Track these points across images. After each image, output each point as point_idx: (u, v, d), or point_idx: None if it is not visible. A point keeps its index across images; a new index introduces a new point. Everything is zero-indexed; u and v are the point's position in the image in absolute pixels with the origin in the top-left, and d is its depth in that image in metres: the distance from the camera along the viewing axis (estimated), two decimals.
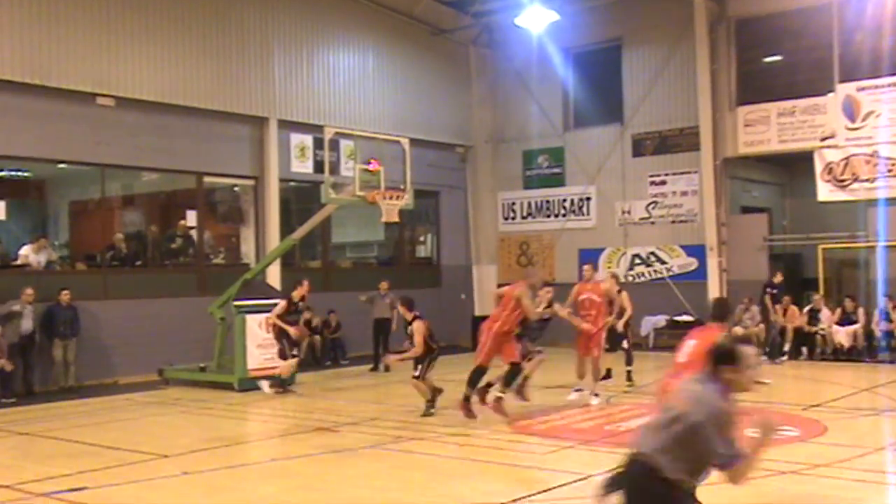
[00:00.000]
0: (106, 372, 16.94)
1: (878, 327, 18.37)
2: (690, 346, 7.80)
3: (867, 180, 19.33)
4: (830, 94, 19.78)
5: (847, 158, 19.58)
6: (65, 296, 16.18)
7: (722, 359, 4.61)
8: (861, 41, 19.45)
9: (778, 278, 19.37)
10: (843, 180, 19.67)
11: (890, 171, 19.03)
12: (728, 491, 8.09)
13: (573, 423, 11.98)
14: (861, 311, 18.67)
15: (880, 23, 19.04)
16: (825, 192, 19.88)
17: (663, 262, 22.26)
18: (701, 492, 4.71)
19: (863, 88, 19.39)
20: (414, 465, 9.72)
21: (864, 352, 18.43)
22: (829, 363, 18.14)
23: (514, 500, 8.05)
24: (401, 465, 9.75)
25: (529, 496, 8.23)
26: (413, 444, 10.70)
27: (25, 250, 16.95)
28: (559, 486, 8.59)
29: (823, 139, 19.85)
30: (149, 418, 13.53)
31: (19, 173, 19.42)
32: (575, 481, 8.69)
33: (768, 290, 19.24)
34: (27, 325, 15.70)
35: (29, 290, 15.64)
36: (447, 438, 11.06)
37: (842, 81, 19.70)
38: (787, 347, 19.06)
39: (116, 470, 9.61)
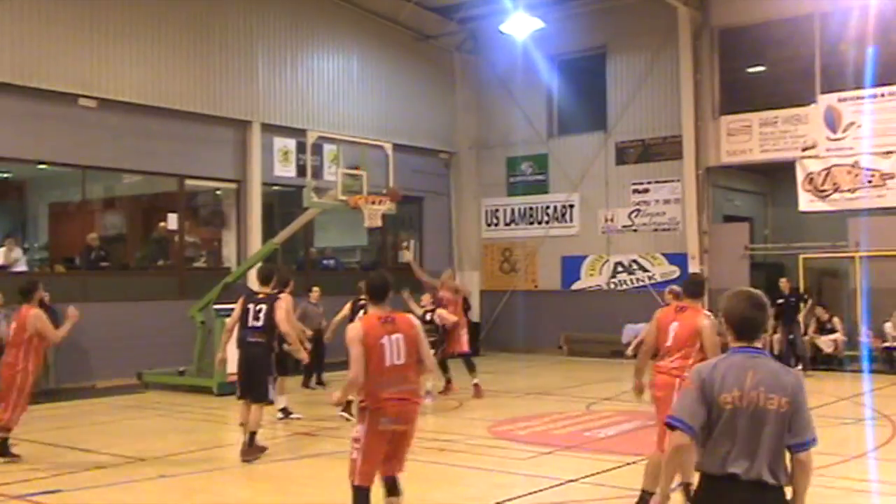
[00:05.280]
0: (84, 375, 16.77)
1: (863, 338, 18.41)
2: (675, 328, 7.56)
3: (848, 191, 19.44)
4: (812, 105, 19.91)
5: (828, 169, 19.65)
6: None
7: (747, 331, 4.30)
8: (843, 52, 19.58)
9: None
10: (824, 191, 19.75)
11: (871, 181, 19.15)
12: None
13: (553, 430, 11.98)
14: (836, 320, 18.70)
15: (862, 34, 19.13)
16: (806, 202, 19.97)
17: (645, 270, 22.29)
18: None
19: (844, 99, 19.48)
20: None
21: (844, 361, 18.49)
22: (810, 372, 18.08)
23: None
24: None
25: (507, 500, 8.22)
26: None
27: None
28: (537, 491, 8.58)
29: (805, 149, 19.95)
30: (127, 422, 13.46)
31: None
32: (553, 486, 8.70)
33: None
34: (3, 329, 15.48)
35: None
36: (426, 444, 11.01)
37: (823, 92, 19.80)
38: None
39: (93, 473, 9.54)
